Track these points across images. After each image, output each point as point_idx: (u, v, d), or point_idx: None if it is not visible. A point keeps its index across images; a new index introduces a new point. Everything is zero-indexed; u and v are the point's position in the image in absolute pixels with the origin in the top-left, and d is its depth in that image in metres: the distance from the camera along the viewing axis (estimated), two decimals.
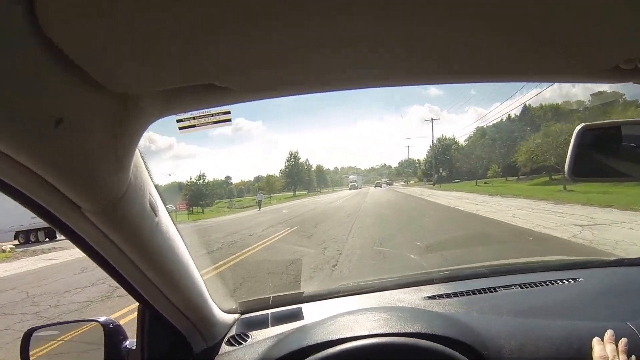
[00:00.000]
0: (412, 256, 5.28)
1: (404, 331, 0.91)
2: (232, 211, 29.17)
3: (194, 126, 0.74)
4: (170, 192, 33.56)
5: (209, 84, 0.48)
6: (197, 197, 33.10)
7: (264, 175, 56.05)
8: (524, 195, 14.95)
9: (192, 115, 0.72)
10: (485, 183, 29.81)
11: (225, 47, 0.40)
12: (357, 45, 0.43)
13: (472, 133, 41.33)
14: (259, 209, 25.06)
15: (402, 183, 59.60)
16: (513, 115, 35.66)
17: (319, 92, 0.57)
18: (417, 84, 0.57)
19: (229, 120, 0.76)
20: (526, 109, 35.09)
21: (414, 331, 0.91)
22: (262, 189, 48.10)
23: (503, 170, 32.02)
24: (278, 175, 54.05)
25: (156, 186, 0.65)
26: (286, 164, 54.67)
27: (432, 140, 44.03)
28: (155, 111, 0.52)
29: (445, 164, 41.57)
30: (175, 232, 0.74)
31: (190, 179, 35.62)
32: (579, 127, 0.81)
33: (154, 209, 0.62)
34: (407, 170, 71.04)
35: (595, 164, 0.84)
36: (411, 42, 0.43)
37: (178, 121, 0.73)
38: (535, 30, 0.43)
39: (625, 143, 0.82)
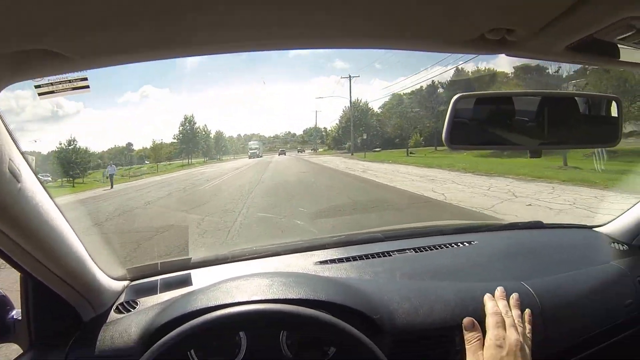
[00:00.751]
0: None
1: (284, 297, 0.90)
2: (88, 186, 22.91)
3: (52, 92, 0.69)
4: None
5: (47, 50, 0.46)
6: (66, 166, 27.78)
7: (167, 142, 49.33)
8: (514, 175, 10.95)
9: (50, 81, 0.68)
10: (411, 153, 27.26)
11: (47, 9, 0.38)
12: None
13: (387, 100, 39.09)
14: (111, 186, 19.13)
15: (310, 151, 58.21)
16: (437, 82, 34.28)
17: (177, 57, 0.55)
18: (302, 47, 0.59)
19: (87, 87, 0.74)
20: (459, 72, 33.85)
21: (294, 297, 0.90)
22: (149, 156, 42.88)
23: (426, 139, 30.52)
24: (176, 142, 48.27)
25: (24, 152, 0.64)
26: (180, 128, 49.08)
27: (350, 99, 39.49)
28: (4, 77, 0.52)
29: (362, 131, 37.98)
30: (47, 199, 0.73)
31: (60, 144, 29.19)
32: (455, 96, 0.83)
33: (15, 175, 0.60)
34: (312, 139, 69.86)
35: (470, 132, 0.87)
36: None
37: (36, 87, 0.68)
38: (400, 1, 0.44)
39: (499, 113, 0.88)
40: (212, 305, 0.88)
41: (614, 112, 0.91)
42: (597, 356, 1.15)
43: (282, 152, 53.29)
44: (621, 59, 0.63)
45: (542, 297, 1.06)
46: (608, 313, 1.16)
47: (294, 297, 0.90)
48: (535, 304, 1.04)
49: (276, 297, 0.90)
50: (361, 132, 37.91)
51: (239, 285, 0.95)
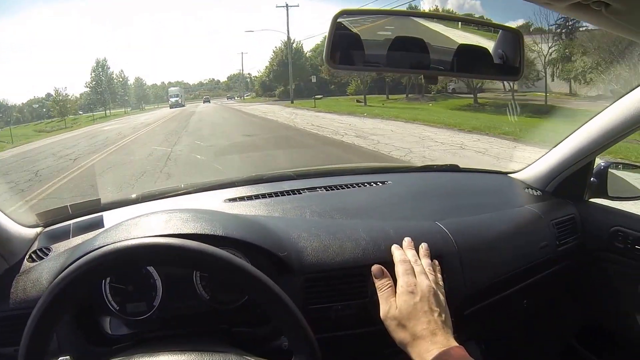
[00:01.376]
0: None
1: (178, 232, 0.85)
2: None
3: None
4: None
5: None
6: None
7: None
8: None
9: None
10: (358, 101, 24.31)
11: None
12: None
13: (320, 41, 33.15)
14: None
15: (236, 99, 53.09)
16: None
17: None
18: None
19: None
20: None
21: (190, 232, 0.85)
22: (52, 109, 34.86)
23: (368, 85, 27.48)
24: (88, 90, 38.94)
25: None
26: (92, 75, 39.29)
27: (288, 33, 33.13)
28: None
29: (296, 77, 33.43)
30: None
31: None
32: (338, 11, 0.74)
33: None
34: (238, 84, 65.49)
35: (355, 52, 0.78)
36: None
37: None
38: None
39: (387, 32, 0.80)
40: (109, 242, 0.81)
41: (516, 45, 0.85)
42: (514, 297, 1.20)
43: (207, 100, 48.88)
44: None
45: (457, 238, 1.05)
46: (524, 255, 1.20)
47: (189, 232, 0.85)
48: (451, 244, 1.03)
49: (172, 232, 0.84)
50: (295, 78, 33.33)
51: (137, 222, 0.91)
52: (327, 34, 0.73)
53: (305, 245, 0.95)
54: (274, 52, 35.97)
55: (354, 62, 0.79)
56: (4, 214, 0.96)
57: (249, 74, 60.03)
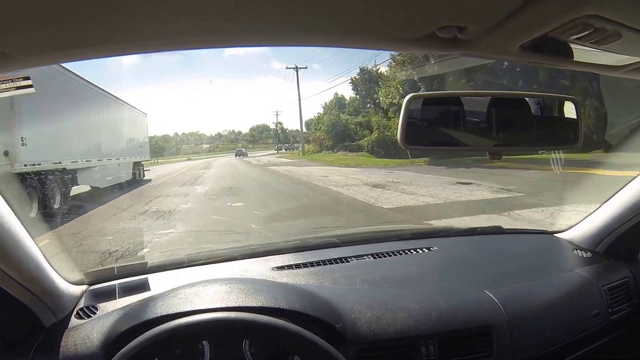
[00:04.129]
0: None
1: (244, 305, 0.91)
2: None
3: None
4: None
5: None
6: None
7: None
8: None
9: None
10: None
11: None
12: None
13: (327, 102, 36.87)
14: None
15: (272, 152, 48.84)
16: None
17: (122, 54, 0.58)
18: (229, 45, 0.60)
19: (30, 86, 0.82)
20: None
21: (254, 305, 0.92)
22: None
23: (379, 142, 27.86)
24: None
25: None
26: None
27: (299, 93, 38.71)
28: None
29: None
30: (2, 204, 0.78)
31: None
32: (408, 96, 0.84)
33: None
34: (262, 136, 66.21)
35: (425, 132, 0.89)
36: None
37: None
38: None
39: (452, 113, 0.89)
40: (172, 312, 0.90)
41: (572, 113, 0.94)
42: None
43: (241, 154, 42.90)
44: (575, 59, 0.65)
45: (506, 307, 1.08)
46: (575, 323, 1.19)
47: (254, 305, 0.92)
48: (501, 314, 1.06)
49: (236, 304, 0.91)
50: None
51: (197, 292, 0.97)
52: (400, 118, 0.84)
53: (358, 317, 1.00)
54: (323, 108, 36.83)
55: (425, 142, 0.91)
56: (55, 270, 1.02)
57: (279, 123, 60.38)
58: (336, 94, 36.23)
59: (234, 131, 72.25)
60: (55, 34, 0.47)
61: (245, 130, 73.57)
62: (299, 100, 37.03)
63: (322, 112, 36.28)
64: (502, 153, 0.93)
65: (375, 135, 22.91)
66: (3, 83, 0.76)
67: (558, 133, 0.97)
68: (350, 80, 29.91)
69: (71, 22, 0.45)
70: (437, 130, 0.91)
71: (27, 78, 0.78)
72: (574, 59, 0.66)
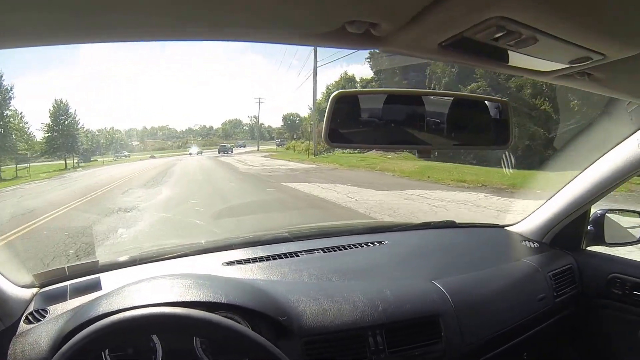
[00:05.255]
0: None
1: (182, 300, 0.92)
2: None
3: None
4: None
5: None
6: None
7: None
8: None
9: None
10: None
11: None
12: None
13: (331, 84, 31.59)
14: None
15: (251, 150, 39.57)
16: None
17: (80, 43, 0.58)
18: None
19: None
20: None
21: (194, 299, 0.93)
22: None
23: None
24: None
25: None
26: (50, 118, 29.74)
27: (315, 64, 26.75)
28: None
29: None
30: None
31: None
32: (334, 93, 0.84)
33: None
34: (235, 132, 61.62)
35: (351, 131, 0.88)
36: None
37: None
38: None
39: (382, 111, 0.88)
40: (113, 309, 0.89)
41: (504, 114, 0.96)
42: (514, 351, 1.28)
43: (225, 150, 34.83)
44: (504, 62, 0.67)
45: (454, 295, 1.15)
46: (522, 308, 1.30)
47: (194, 300, 0.93)
48: (448, 302, 1.13)
49: (175, 299, 0.92)
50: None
51: (139, 288, 0.98)
52: (325, 115, 0.83)
53: (304, 309, 1.03)
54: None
55: (351, 140, 0.90)
56: (2, 274, 1.01)
57: (254, 117, 56.24)
58: (345, 73, 31.75)
59: (204, 126, 67.56)
60: (20, 18, 0.48)
61: (217, 124, 69.02)
62: (315, 71, 27.68)
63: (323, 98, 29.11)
64: (431, 151, 0.95)
65: None
66: None
67: (489, 134, 0.99)
68: (368, 56, 24.85)
69: (38, 9, 0.46)
70: (362, 128, 0.89)
71: None
72: (503, 62, 0.67)
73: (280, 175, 13.13)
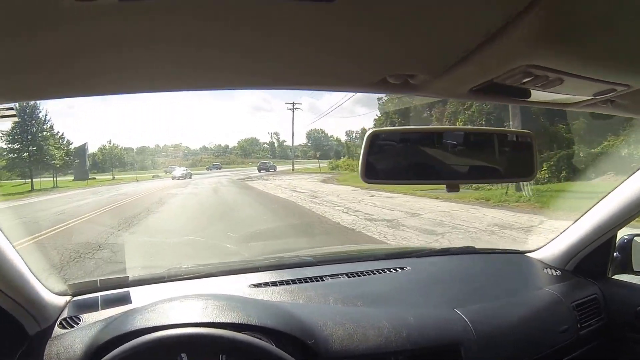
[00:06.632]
0: None
1: (218, 321, 0.98)
2: None
3: None
4: None
5: None
6: None
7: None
8: None
9: None
10: None
11: None
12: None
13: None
14: None
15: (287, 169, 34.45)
16: None
17: (84, 96, 0.67)
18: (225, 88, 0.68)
19: (14, 115, 0.93)
20: None
21: (228, 321, 0.99)
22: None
23: None
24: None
25: None
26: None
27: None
28: None
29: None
30: None
31: None
32: (369, 131, 0.89)
33: None
34: (255, 149, 61.23)
35: (386, 167, 0.94)
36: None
37: None
38: (317, 46, 0.53)
39: (414, 148, 0.95)
40: (150, 325, 0.97)
41: (528, 147, 1.00)
42: None
43: (266, 167, 32.62)
44: (530, 98, 0.72)
45: (475, 325, 1.16)
46: (543, 339, 1.27)
47: (227, 321, 0.99)
48: (470, 331, 1.14)
49: (210, 320, 0.99)
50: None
51: (174, 307, 1.05)
52: (361, 153, 0.89)
53: (331, 333, 1.07)
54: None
55: (385, 177, 0.97)
56: (39, 281, 1.09)
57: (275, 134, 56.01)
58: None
59: (220, 145, 67.45)
60: (36, 77, 0.55)
61: (232, 143, 68.30)
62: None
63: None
64: (459, 185, 0.99)
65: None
66: None
67: (514, 166, 1.02)
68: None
69: (55, 66, 0.53)
70: (396, 165, 0.96)
71: (10, 108, 0.88)
72: (527, 99, 0.73)
73: None
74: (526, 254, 1.69)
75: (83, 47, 0.48)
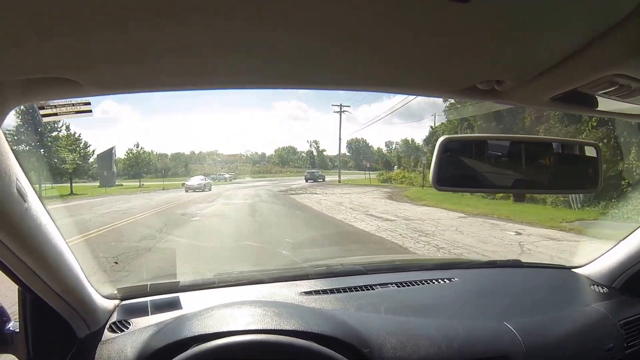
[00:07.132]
0: None
1: (279, 328, 0.98)
2: None
3: (56, 114, 0.83)
4: None
5: (62, 78, 0.57)
6: None
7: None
8: None
9: (54, 104, 0.79)
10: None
11: (75, 45, 0.48)
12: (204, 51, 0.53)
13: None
14: None
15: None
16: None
17: (167, 91, 0.70)
18: (284, 87, 0.70)
19: (90, 111, 0.90)
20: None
21: (290, 328, 0.99)
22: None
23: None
24: None
25: (25, 172, 0.71)
26: None
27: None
28: (13, 99, 0.62)
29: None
30: (48, 218, 0.83)
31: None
32: (441, 138, 0.91)
33: (22, 195, 0.70)
34: (293, 159, 59.96)
35: (456, 174, 0.96)
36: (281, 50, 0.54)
37: (40, 108, 0.86)
38: (403, 53, 0.55)
39: (484, 156, 0.97)
40: (210, 332, 0.97)
41: (594, 158, 1.02)
42: None
43: (313, 177, 31.29)
44: (599, 108, 0.74)
45: (524, 338, 1.18)
46: (589, 357, 1.28)
47: (289, 329, 0.99)
48: (519, 345, 1.16)
49: (271, 327, 0.99)
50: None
51: (232, 313, 1.05)
52: (433, 159, 0.92)
53: (384, 342, 1.09)
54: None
55: (457, 184, 1.00)
56: (90, 284, 1.10)
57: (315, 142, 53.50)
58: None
59: (256, 153, 65.30)
60: (122, 70, 0.59)
61: (270, 151, 66.00)
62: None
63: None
64: (525, 195, 1.04)
65: None
66: (64, 107, 0.86)
67: (580, 177, 1.05)
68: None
69: (137, 62, 0.56)
70: (466, 172, 0.99)
71: (88, 103, 0.87)
72: (598, 109, 0.75)
73: None
74: (572, 270, 1.70)
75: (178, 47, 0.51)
